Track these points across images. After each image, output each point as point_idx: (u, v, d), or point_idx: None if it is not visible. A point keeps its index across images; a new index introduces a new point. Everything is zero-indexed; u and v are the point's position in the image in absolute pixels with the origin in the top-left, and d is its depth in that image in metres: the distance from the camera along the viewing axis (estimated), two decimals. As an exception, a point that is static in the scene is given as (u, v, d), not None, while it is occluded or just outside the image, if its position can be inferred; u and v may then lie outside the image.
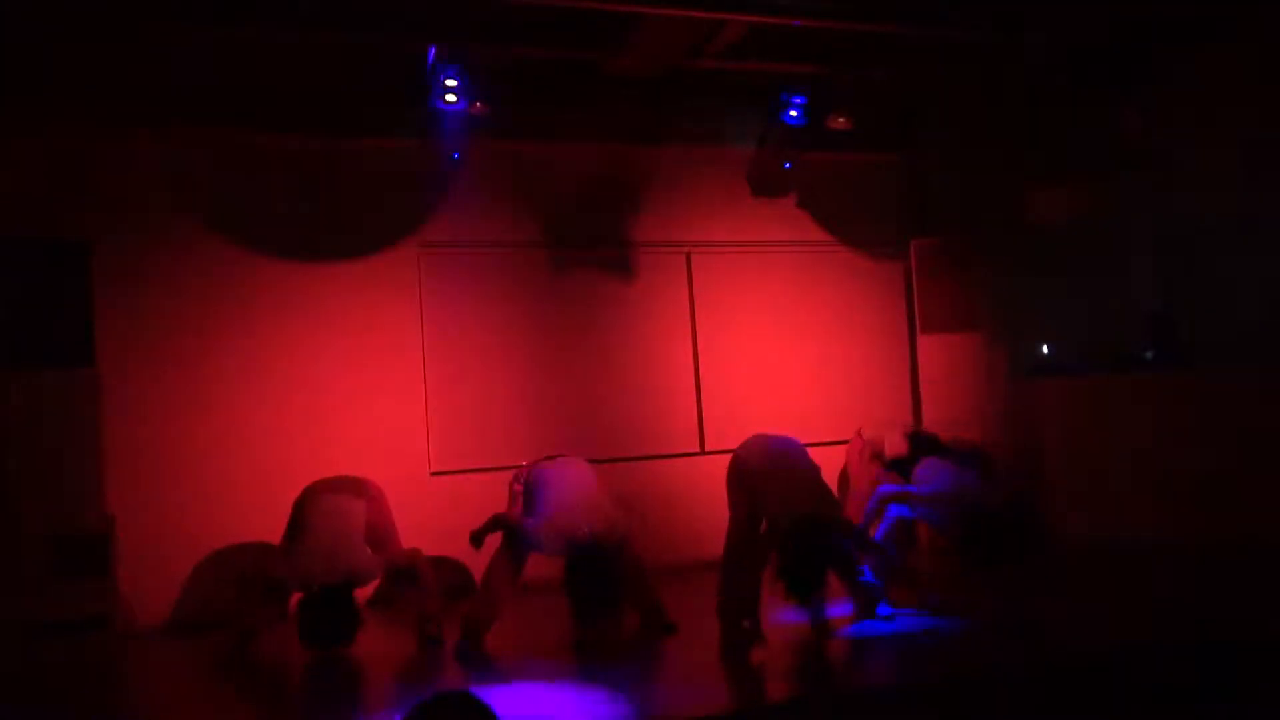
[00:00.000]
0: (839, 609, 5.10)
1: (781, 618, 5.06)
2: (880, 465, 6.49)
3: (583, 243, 7.17)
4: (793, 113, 6.98)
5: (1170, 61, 6.59)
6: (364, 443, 6.39)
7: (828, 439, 7.47)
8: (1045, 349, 7.47)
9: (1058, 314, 7.22)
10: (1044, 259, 7.22)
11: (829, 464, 7.51)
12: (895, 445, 6.51)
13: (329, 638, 4.87)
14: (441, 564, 6.59)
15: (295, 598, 4.96)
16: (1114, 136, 6.79)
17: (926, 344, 7.50)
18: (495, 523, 4.96)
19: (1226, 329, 6.40)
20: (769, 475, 4.94)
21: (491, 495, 6.71)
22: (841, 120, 7.00)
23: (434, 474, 6.66)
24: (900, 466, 6.09)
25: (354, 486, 5.28)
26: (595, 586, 4.60)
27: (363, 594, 6.22)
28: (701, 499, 7.20)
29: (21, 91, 5.81)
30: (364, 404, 6.45)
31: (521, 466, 5.38)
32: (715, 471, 7.22)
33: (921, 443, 6.39)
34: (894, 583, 5.32)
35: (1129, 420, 6.68)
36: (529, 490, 5.04)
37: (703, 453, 7.31)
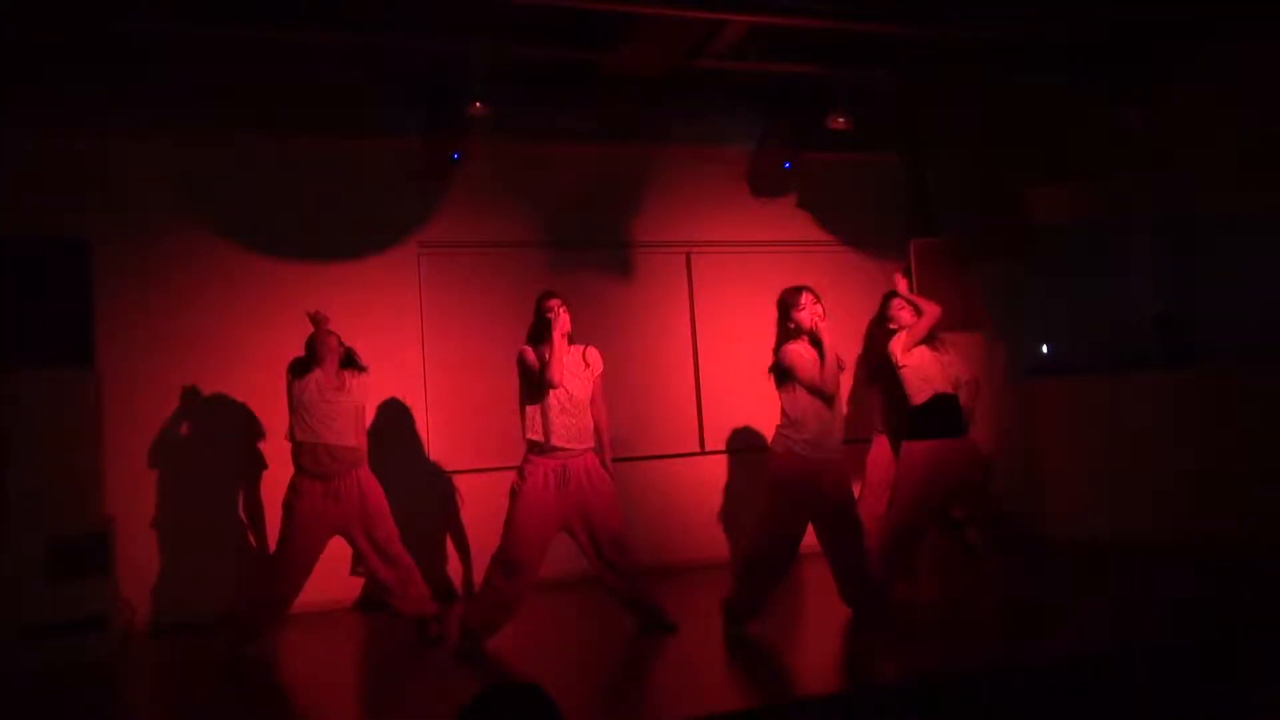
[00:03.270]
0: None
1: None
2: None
3: (583, 243, 7.17)
4: None
5: (1170, 61, 6.58)
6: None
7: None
8: (1045, 349, 7.47)
9: (1058, 314, 7.22)
10: (1044, 259, 7.21)
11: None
12: None
13: None
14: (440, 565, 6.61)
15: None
16: (1114, 136, 6.78)
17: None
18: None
19: (1226, 328, 6.39)
20: None
21: (492, 495, 6.73)
22: (841, 120, 6.99)
23: (434, 474, 6.65)
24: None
25: None
26: None
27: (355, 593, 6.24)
28: (701, 499, 7.21)
29: (22, 91, 5.80)
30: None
31: None
32: (715, 471, 7.28)
33: None
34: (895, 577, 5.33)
35: (1129, 420, 6.68)
36: None
37: (703, 453, 7.31)
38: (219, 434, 6.25)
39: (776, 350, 4.89)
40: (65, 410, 5.59)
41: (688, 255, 7.45)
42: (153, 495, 6.08)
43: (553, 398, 4.86)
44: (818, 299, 4.89)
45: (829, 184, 7.71)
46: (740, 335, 7.46)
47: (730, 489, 7.26)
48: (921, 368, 5.36)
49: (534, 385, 4.90)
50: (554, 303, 5.00)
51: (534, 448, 4.89)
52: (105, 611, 5.43)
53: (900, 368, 5.41)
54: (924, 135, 7.83)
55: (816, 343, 4.83)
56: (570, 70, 6.68)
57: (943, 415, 5.36)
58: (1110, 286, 7.14)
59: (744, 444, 7.33)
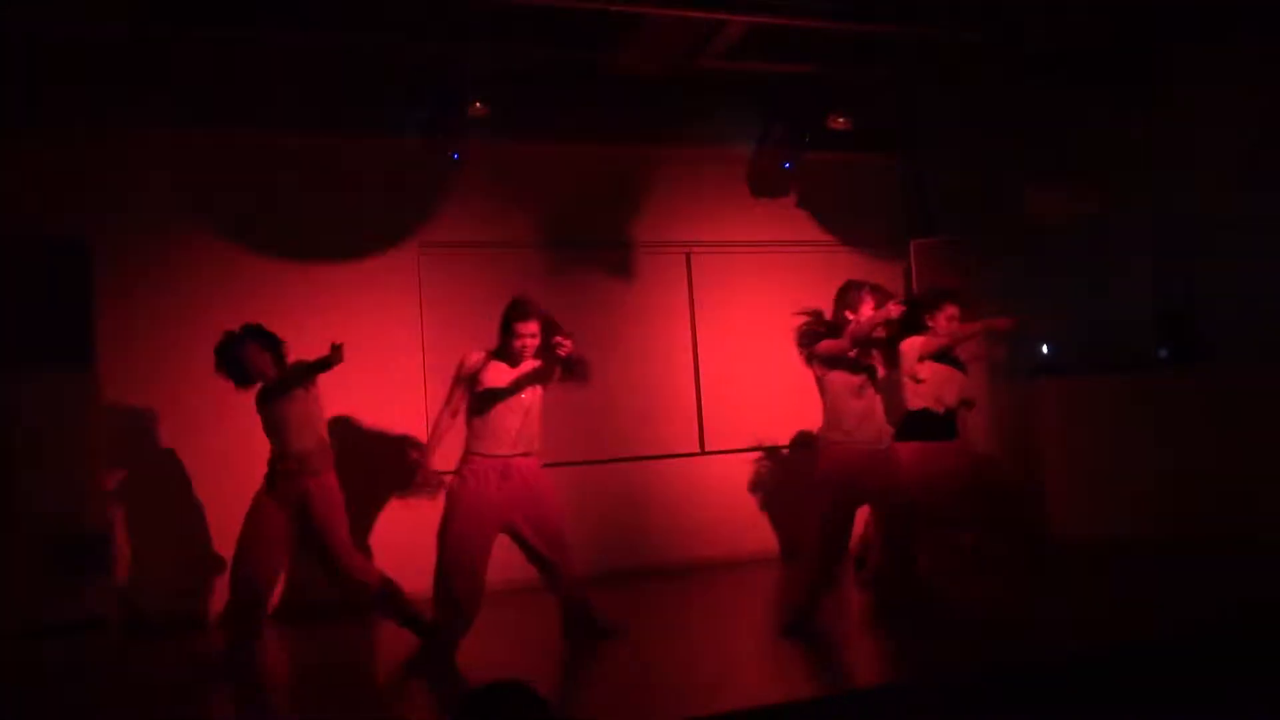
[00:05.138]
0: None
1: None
2: None
3: (583, 243, 7.17)
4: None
5: (1170, 61, 6.59)
6: (363, 443, 6.38)
7: (828, 439, 7.48)
8: (1045, 349, 7.46)
9: (1058, 314, 7.22)
10: (1044, 259, 7.21)
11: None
12: None
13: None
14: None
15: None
16: (1114, 136, 6.79)
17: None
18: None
19: (1226, 329, 6.39)
20: None
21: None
22: (841, 120, 7.00)
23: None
24: None
25: None
26: None
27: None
28: (701, 499, 7.20)
29: (22, 90, 5.80)
30: (363, 404, 6.44)
31: None
32: (715, 471, 7.28)
33: None
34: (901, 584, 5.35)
35: (1129, 420, 6.67)
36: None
37: (703, 453, 7.31)
38: (219, 434, 6.24)
39: (816, 343, 4.99)
40: (65, 410, 5.59)
41: (688, 255, 7.44)
42: (153, 495, 6.08)
43: (501, 407, 4.78)
44: (871, 300, 4.96)
45: (829, 184, 7.71)
46: (740, 335, 7.47)
47: (730, 489, 7.25)
48: (926, 382, 5.60)
49: (477, 396, 4.82)
50: (528, 329, 4.80)
51: (477, 452, 4.80)
52: (105, 611, 5.43)
53: (907, 373, 5.61)
54: (924, 135, 7.83)
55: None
56: (570, 70, 6.68)
57: (934, 420, 5.62)
58: (1110, 286, 7.13)
59: (744, 444, 7.33)
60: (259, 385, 5.11)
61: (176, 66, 6.05)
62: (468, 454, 4.83)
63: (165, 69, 6.03)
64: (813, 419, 7.35)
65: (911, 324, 5.62)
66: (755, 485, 7.31)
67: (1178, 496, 6.30)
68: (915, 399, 5.65)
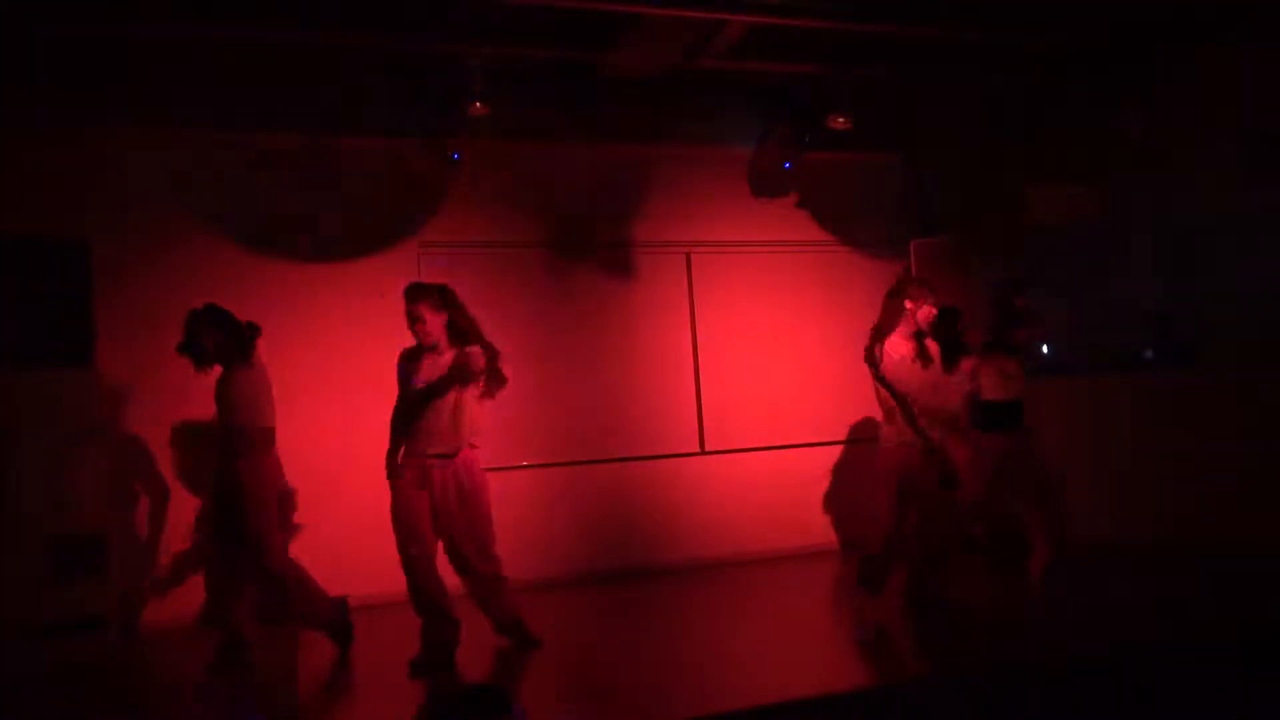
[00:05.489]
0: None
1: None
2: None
3: (583, 243, 7.17)
4: None
5: (1170, 62, 6.59)
6: (362, 443, 6.36)
7: (828, 439, 7.49)
8: (1045, 349, 7.47)
9: (1058, 314, 7.22)
10: (1044, 259, 7.21)
11: (828, 464, 7.53)
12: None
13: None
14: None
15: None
16: (1114, 136, 6.79)
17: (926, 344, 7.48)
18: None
19: (1226, 328, 6.40)
20: None
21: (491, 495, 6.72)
22: (841, 120, 7.00)
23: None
24: None
25: None
26: None
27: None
28: (701, 499, 7.21)
29: (22, 91, 5.80)
30: (363, 404, 6.43)
31: None
32: (715, 471, 7.28)
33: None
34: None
35: (1129, 420, 6.67)
36: None
37: (703, 453, 7.31)
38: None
39: (877, 340, 5.13)
40: (65, 410, 5.59)
41: (688, 255, 7.45)
42: (152, 495, 6.07)
43: (424, 402, 4.69)
44: (930, 296, 5.13)
45: (829, 184, 7.72)
46: (740, 335, 7.48)
47: (730, 489, 7.25)
48: (1012, 375, 5.84)
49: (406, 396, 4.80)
50: (415, 312, 4.69)
51: (409, 452, 4.74)
52: (105, 611, 5.43)
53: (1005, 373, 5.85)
54: (924, 135, 7.83)
55: (920, 335, 5.14)
56: (570, 70, 6.69)
57: (1014, 410, 5.85)
58: (1110, 286, 7.13)
59: (744, 444, 7.34)
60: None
61: (177, 66, 6.05)
62: (405, 456, 4.77)
63: (166, 69, 6.03)
64: (812, 417, 7.44)
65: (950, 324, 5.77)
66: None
67: (1177, 496, 6.30)
68: (999, 390, 5.83)
